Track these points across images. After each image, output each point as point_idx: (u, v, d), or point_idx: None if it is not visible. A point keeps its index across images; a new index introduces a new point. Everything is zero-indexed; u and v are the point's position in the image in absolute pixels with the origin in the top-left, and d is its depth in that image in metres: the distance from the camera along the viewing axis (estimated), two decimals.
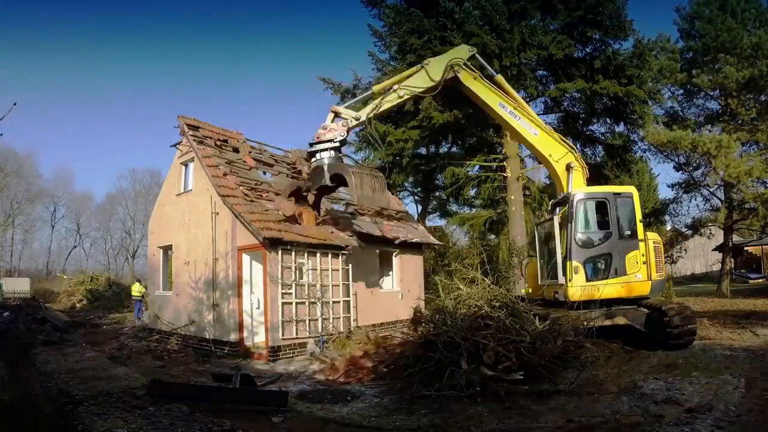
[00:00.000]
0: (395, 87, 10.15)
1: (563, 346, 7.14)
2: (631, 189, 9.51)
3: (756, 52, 17.28)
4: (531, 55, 14.52)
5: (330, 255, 11.00)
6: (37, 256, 52.26)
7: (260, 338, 10.38)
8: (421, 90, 10.23)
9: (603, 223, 9.20)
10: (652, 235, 9.57)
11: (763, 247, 27.93)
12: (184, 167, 12.89)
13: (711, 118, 20.71)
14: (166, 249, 13.63)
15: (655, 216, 26.01)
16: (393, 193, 18.62)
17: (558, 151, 9.88)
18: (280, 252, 9.97)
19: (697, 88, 19.96)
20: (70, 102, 76.81)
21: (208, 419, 5.37)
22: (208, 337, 11.02)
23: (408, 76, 10.26)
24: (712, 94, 20.37)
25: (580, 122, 18.49)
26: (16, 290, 27.66)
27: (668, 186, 23.05)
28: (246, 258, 10.70)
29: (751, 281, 25.57)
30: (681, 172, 21.68)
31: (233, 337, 10.46)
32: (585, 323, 7.83)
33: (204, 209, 11.42)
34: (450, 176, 18.33)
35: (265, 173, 12.93)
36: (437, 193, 22.57)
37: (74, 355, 10.80)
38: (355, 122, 10.06)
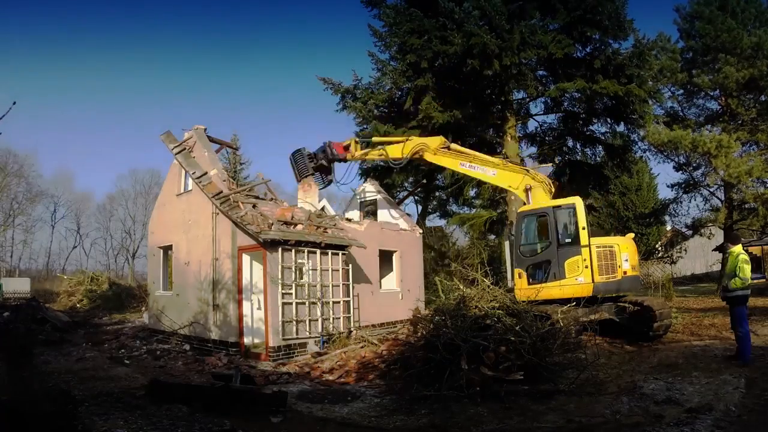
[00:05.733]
0: (380, 147, 12.49)
1: (564, 346, 7.15)
2: (574, 200, 10.15)
3: (756, 52, 17.25)
4: (531, 54, 14.49)
5: (330, 255, 11.00)
6: (37, 256, 52.34)
7: (260, 338, 10.39)
8: (392, 158, 12.42)
9: (544, 234, 10.38)
10: (607, 240, 10.37)
11: (763, 247, 27.89)
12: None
13: (711, 118, 20.68)
14: (166, 249, 13.63)
15: (654, 216, 26.00)
16: (393, 195, 18.65)
17: (515, 180, 11.06)
18: (280, 252, 9.98)
19: (697, 88, 19.92)
20: (70, 102, 76.92)
21: (208, 419, 5.37)
22: (208, 337, 11.03)
23: (392, 142, 12.48)
24: (712, 94, 20.33)
25: (580, 122, 18.45)
26: (16, 290, 27.65)
27: (668, 186, 22.99)
28: (246, 258, 10.70)
29: (751, 281, 25.48)
30: (681, 172, 21.65)
31: (234, 337, 10.46)
32: (576, 321, 8.28)
33: (204, 209, 11.42)
34: (450, 176, 18.30)
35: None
36: (437, 193, 22.53)
37: (74, 355, 10.82)
38: (350, 156, 12.73)
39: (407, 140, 12.25)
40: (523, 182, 10.88)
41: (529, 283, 10.16)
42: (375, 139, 12.96)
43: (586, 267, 9.58)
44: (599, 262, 9.68)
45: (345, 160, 12.99)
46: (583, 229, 9.77)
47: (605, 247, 9.88)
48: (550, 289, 9.68)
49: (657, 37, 18.82)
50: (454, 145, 12.03)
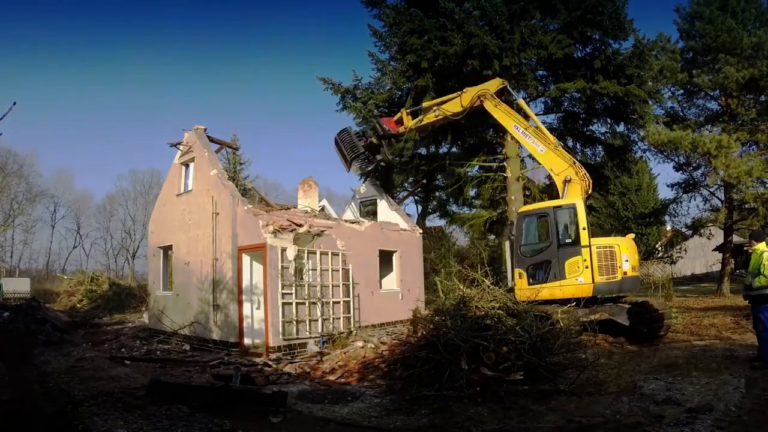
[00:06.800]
0: (434, 108, 12.40)
1: (564, 346, 7.15)
2: (574, 200, 10.11)
3: (756, 53, 17.25)
4: (531, 55, 14.49)
5: (330, 255, 11.01)
6: (37, 256, 52.39)
7: (261, 339, 10.39)
8: (451, 113, 12.14)
9: (544, 234, 10.40)
10: (607, 240, 10.31)
11: None
12: (184, 167, 12.90)
13: (711, 118, 20.68)
14: (166, 249, 13.63)
15: (654, 216, 26.01)
16: (393, 195, 18.63)
17: (559, 166, 10.79)
18: (280, 252, 9.98)
19: (697, 88, 19.93)
20: (71, 102, 76.92)
21: (208, 419, 5.36)
22: (209, 337, 11.03)
23: (447, 100, 12.21)
24: (712, 94, 20.34)
25: (580, 122, 18.43)
26: (16, 290, 27.69)
27: (668, 186, 23.02)
28: (246, 258, 10.71)
29: None
30: (681, 172, 21.66)
31: (234, 337, 10.46)
32: (577, 321, 8.25)
33: (204, 209, 11.43)
34: (450, 176, 18.29)
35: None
36: (437, 193, 22.53)
37: (74, 355, 10.82)
38: (403, 129, 12.91)
39: (463, 92, 11.99)
40: (565, 171, 10.60)
41: (529, 284, 10.13)
42: (425, 103, 12.84)
43: (587, 267, 9.56)
44: (599, 262, 9.67)
45: (397, 135, 12.75)
46: (584, 229, 9.75)
47: (605, 247, 9.88)
48: (551, 290, 9.66)
49: (657, 37, 18.82)
50: (521, 101, 11.86)
